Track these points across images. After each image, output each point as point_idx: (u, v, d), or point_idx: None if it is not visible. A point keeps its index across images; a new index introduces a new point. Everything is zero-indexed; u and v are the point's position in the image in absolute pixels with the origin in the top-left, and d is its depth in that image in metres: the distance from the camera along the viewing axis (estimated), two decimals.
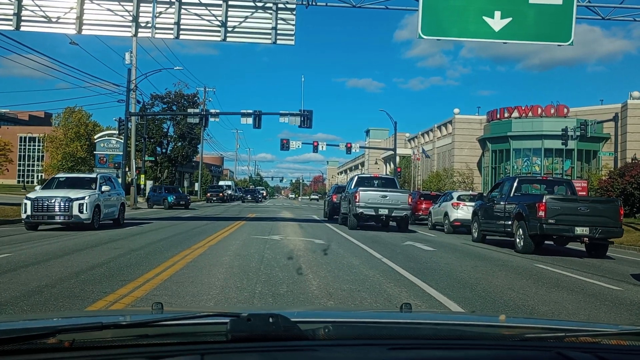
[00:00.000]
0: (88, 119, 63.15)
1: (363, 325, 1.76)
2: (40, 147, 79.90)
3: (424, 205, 28.92)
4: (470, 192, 27.97)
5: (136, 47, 42.62)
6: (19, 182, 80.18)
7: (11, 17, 17.41)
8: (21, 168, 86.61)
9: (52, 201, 16.77)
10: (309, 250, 12.94)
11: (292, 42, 18.87)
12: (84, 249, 12.10)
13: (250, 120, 38.66)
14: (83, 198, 16.93)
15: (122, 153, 44.68)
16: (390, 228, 22.31)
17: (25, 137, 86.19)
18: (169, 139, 72.16)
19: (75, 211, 16.76)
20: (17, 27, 17.52)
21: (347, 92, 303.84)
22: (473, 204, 21.87)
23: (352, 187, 22.79)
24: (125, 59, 42.08)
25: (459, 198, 23.72)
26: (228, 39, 18.50)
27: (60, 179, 19.23)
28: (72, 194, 17.01)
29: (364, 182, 23.61)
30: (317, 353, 1.35)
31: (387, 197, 21.25)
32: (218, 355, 1.32)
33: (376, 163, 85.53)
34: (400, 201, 21.38)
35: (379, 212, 21.14)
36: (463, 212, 22.56)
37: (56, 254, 11.15)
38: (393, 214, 21.25)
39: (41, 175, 75.78)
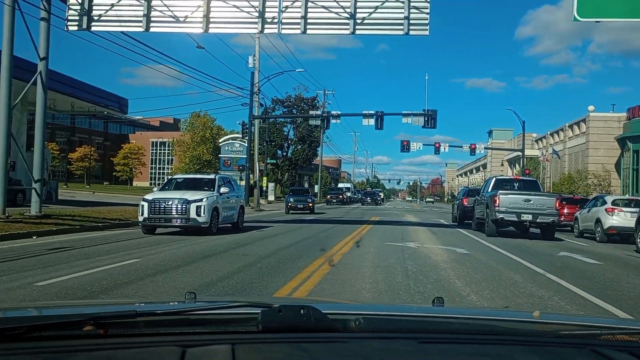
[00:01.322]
0: (213, 122, 65.19)
1: (394, 318, 1.73)
2: (170, 151, 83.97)
3: (566, 210, 26.14)
4: (628, 197, 24.84)
5: (259, 50, 42.98)
6: (150, 184, 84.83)
7: (141, 19, 17.40)
8: (153, 171, 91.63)
9: (169, 203, 15.89)
10: (455, 262, 11.35)
11: (426, 32, 17.31)
12: (210, 255, 11.37)
13: (371, 122, 37.63)
14: (200, 200, 15.95)
15: (245, 156, 45.27)
16: (532, 235, 20.03)
17: (156, 142, 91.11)
18: (290, 142, 73.03)
19: (193, 214, 15.80)
20: (147, 28, 17.49)
21: (465, 92, 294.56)
22: (632, 209, 19.14)
23: (490, 190, 20.76)
24: (248, 63, 42.53)
25: (613, 203, 20.93)
26: (357, 32, 17.32)
27: (178, 180, 18.64)
28: (189, 195, 16.11)
29: (503, 184, 21.47)
30: (347, 345, 1.33)
31: (531, 202, 19.04)
32: (249, 345, 1.30)
33: (502, 165, 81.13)
34: (546, 206, 19.09)
35: (522, 218, 18.99)
36: (619, 218, 19.87)
37: (184, 260, 10.47)
38: (538, 220, 19.00)
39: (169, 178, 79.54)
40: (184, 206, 15.86)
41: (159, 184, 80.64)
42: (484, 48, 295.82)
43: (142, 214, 16.03)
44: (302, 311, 1.39)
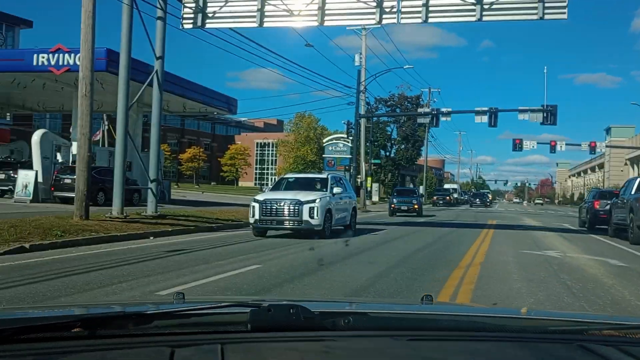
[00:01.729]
0: (317, 123, 65.05)
1: (383, 316, 1.72)
2: (274, 152, 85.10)
3: None
4: None
5: (366, 48, 42.04)
6: (255, 184, 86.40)
7: (255, 14, 16.87)
8: (257, 171, 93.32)
9: (281, 204, 15.09)
10: (617, 276, 9.67)
11: (564, 16, 15.44)
12: (333, 262, 10.43)
13: (484, 119, 35.64)
14: (314, 201, 15.04)
15: (349, 156, 44.49)
16: None
17: (260, 143, 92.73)
18: (393, 141, 71.53)
19: (306, 216, 14.90)
20: (261, 23, 16.94)
21: (575, 88, 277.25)
22: None
23: (634, 192, 18.43)
24: (354, 61, 41.72)
25: None
26: (484, 18, 15.77)
27: (289, 179, 17.84)
28: (302, 196, 15.25)
29: None
30: (337, 343, 1.33)
31: None
32: (238, 344, 1.30)
33: (625, 164, 75.08)
34: None
35: None
36: None
37: (307, 267, 9.61)
38: None
39: (275, 179, 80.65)
40: (296, 207, 15.01)
41: (263, 185, 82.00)
42: (596, 42, 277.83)
43: (253, 216, 15.35)
44: (291, 310, 1.38)
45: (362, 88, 40.01)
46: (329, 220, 15.65)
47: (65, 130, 38.17)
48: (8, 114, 37.66)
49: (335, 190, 16.45)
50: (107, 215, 15.62)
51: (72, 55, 20.57)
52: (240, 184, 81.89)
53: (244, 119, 72.25)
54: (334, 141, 50.23)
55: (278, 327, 1.36)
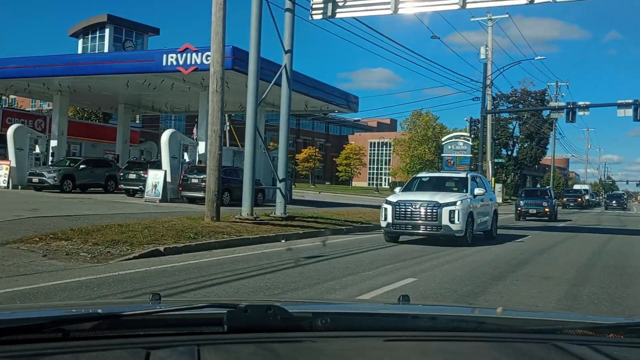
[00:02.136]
0: (435, 121, 62.73)
1: (360, 317, 1.74)
2: (388, 151, 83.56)
3: None
4: None
5: (492, 40, 39.58)
6: (369, 184, 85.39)
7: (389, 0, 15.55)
8: (371, 171, 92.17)
9: (417, 206, 13.59)
10: None
11: None
12: (498, 277, 8.93)
13: (628, 112, 32.41)
14: (454, 204, 13.47)
15: (470, 155, 42.21)
16: None
17: (374, 142, 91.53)
18: (515, 139, 67.64)
19: (445, 220, 13.31)
20: (395, 10, 15.53)
21: None
22: None
23: None
24: (480, 54, 39.42)
25: None
26: None
27: (423, 178, 16.15)
28: (439, 197, 13.72)
29: None
30: (314, 344, 1.34)
31: None
32: (214, 345, 1.30)
33: None
34: None
35: None
36: None
37: (473, 282, 8.16)
38: None
39: (389, 179, 79.18)
40: (434, 210, 13.40)
41: (379, 185, 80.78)
42: None
43: (385, 219, 13.92)
44: (268, 311, 1.38)
45: (488, 82, 37.62)
46: (470, 226, 13.95)
47: (188, 131, 39.08)
48: (137, 116, 39.12)
49: (477, 191, 14.69)
50: (237, 216, 15.01)
51: (200, 54, 20.48)
52: (353, 183, 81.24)
53: (358, 118, 71.35)
54: (453, 139, 47.83)
55: (255, 327, 1.34)
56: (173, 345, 1.27)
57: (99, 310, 1.51)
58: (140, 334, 1.32)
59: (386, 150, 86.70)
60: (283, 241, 13.06)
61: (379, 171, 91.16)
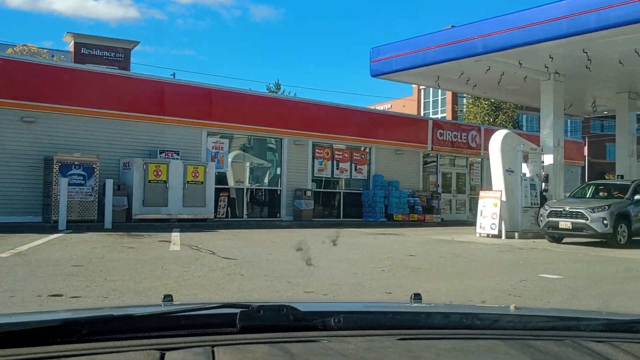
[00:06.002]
0: None
1: (373, 315, 1.70)
2: None
3: None
4: None
5: None
6: None
7: None
8: None
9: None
10: None
11: None
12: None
13: None
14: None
15: None
16: None
17: None
18: None
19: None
20: None
21: None
22: None
23: None
24: None
25: None
26: None
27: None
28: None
29: None
30: (327, 344, 1.33)
31: None
32: (228, 346, 1.29)
33: None
34: None
35: None
36: None
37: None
38: None
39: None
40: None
41: None
42: None
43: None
44: (281, 310, 1.39)
45: None
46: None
47: None
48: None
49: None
50: None
51: None
52: None
53: None
54: None
55: (268, 327, 1.38)
56: (187, 346, 1.29)
57: (112, 313, 1.52)
58: (154, 335, 1.35)
59: None
60: None
61: None
